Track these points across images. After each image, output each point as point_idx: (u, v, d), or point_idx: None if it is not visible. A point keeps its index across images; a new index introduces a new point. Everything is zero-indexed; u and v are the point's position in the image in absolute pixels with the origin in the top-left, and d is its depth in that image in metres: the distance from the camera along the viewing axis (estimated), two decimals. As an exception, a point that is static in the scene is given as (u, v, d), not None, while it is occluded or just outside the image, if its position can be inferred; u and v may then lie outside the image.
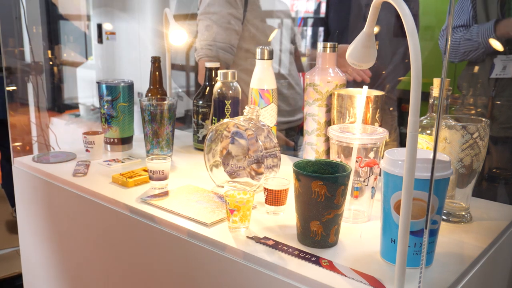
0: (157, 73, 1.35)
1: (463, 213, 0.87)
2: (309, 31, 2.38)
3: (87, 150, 1.20)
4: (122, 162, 1.18)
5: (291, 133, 1.66)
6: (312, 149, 1.11)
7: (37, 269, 1.23)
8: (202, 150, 1.31)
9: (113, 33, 2.89)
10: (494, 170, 1.42)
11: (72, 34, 3.09)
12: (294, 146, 1.63)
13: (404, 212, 0.60)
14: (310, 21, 2.37)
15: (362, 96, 0.87)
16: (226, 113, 1.19)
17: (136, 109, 1.28)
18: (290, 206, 0.85)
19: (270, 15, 1.64)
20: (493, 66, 1.39)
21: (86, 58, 3.07)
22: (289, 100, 1.64)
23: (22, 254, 1.26)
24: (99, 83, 1.26)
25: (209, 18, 1.49)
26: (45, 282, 1.21)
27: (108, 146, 1.29)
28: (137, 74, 2.55)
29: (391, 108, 1.60)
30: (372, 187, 0.85)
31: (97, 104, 2.77)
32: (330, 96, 1.06)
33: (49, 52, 2.74)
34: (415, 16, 1.54)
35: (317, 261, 0.72)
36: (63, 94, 3.02)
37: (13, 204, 2.43)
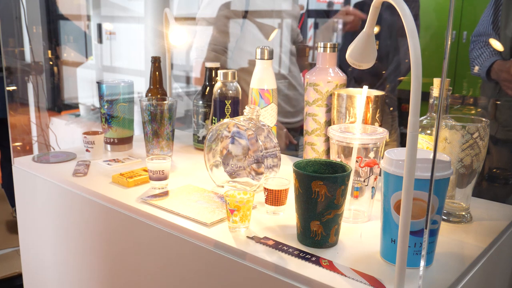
0: (157, 73, 1.35)
1: (463, 213, 0.87)
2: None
3: (87, 150, 1.20)
4: (122, 162, 1.18)
5: (293, 134, 1.66)
6: (312, 149, 1.11)
7: (37, 269, 1.23)
8: (202, 150, 1.31)
9: (113, 33, 2.89)
10: (494, 170, 1.42)
11: (72, 34, 3.09)
12: (296, 145, 1.63)
13: (404, 212, 0.60)
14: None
15: (362, 96, 0.87)
16: (226, 113, 1.19)
17: (136, 109, 1.28)
18: (290, 206, 0.85)
19: (271, 15, 1.64)
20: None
21: (86, 58, 3.07)
22: (292, 101, 1.64)
23: (22, 254, 1.26)
24: (99, 83, 1.26)
25: (205, 20, 1.50)
26: (45, 282, 1.21)
27: (108, 146, 1.29)
28: (137, 74, 2.55)
29: (391, 108, 1.60)
30: (372, 187, 0.85)
31: (97, 104, 2.77)
32: (330, 96, 1.06)
33: (49, 52, 2.74)
34: (415, 16, 1.54)
35: (317, 261, 0.72)
36: (63, 94, 3.01)
37: (13, 204, 2.43)
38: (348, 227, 0.84)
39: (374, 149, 0.83)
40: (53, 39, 2.89)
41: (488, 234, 0.82)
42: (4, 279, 1.98)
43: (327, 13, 2.42)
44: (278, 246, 0.76)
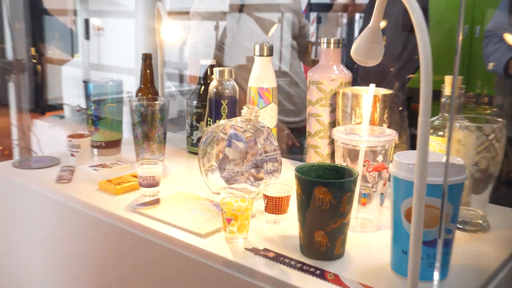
0: (148, 71, 1.35)
1: (480, 221, 0.87)
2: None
3: (72, 155, 1.20)
4: (110, 168, 1.18)
5: (295, 135, 1.66)
6: (315, 152, 1.11)
7: (17, 284, 1.22)
8: (196, 154, 1.30)
9: (101, 29, 2.90)
10: (513, 174, 1.42)
11: (57, 30, 3.10)
12: (300, 148, 1.63)
13: (415, 220, 0.59)
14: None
15: (369, 95, 0.88)
16: (223, 113, 1.19)
17: (126, 110, 1.28)
18: (292, 214, 0.85)
19: (269, 9, 1.65)
20: None
21: (72, 55, 3.08)
22: (294, 99, 1.65)
23: None
24: (85, 82, 1.27)
25: (200, 15, 1.51)
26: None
27: (95, 150, 1.29)
28: (126, 72, 2.55)
29: (400, 108, 1.60)
30: (381, 193, 0.85)
31: (83, 105, 2.77)
32: (335, 95, 1.06)
33: (33, 49, 2.74)
34: (425, 10, 1.54)
35: (322, 274, 0.71)
36: (46, 94, 3.02)
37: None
38: (355, 237, 0.84)
39: (382, 152, 0.83)
40: (37, 35, 2.89)
41: (508, 244, 0.82)
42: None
43: (330, 7, 2.43)
44: (279, 258, 0.76)
